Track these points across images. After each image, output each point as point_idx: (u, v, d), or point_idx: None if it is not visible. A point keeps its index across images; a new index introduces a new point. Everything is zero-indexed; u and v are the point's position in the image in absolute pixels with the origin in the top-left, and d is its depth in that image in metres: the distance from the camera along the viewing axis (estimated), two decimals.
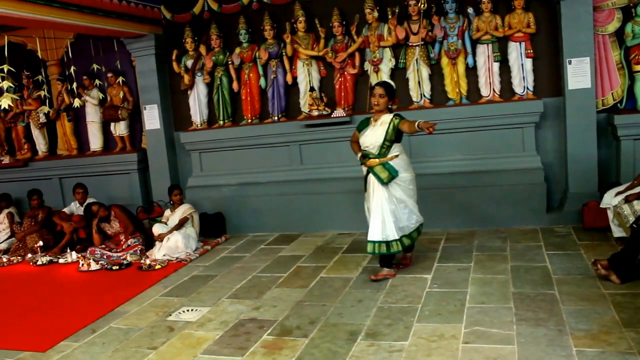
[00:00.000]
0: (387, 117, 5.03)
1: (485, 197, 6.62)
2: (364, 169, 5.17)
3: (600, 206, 5.69)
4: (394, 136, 4.99)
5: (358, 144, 5.25)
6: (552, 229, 6.30)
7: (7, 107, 5.92)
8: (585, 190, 6.32)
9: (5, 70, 5.84)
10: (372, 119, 5.16)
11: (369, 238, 5.08)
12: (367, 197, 5.18)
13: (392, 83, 5.23)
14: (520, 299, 4.39)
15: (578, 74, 6.20)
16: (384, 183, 4.98)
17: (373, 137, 5.05)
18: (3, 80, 5.81)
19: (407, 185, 5.08)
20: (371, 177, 5.07)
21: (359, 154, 5.19)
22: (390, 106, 5.11)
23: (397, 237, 5.01)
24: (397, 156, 5.01)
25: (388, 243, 5.02)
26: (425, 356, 3.61)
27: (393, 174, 4.98)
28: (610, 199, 5.51)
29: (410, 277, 5.15)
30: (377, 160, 5.02)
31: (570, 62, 6.22)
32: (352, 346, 3.85)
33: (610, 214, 5.54)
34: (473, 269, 5.22)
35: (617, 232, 5.48)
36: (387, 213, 5.00)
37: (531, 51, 6.49)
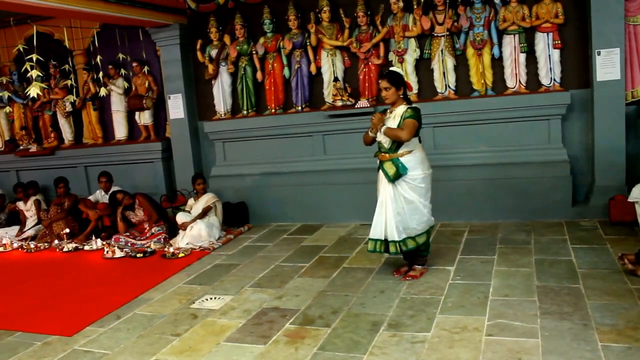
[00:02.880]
0: (401, 110, 4.72)
1: (509, 190, 6.55)
2: (378, 161, 4.94)
3: (628, 200, 5.57)
4: None
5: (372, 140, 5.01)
6: (578, 223, 6.22)
7: (35, 96, 5.99)
8: (612, 184, 6.22)
9: (34, 60, 5.92)
10: (388, 111, 4.88)
11: (370, 235, 4.92)
12: (378, 191, 4.97)
13: (398, 70, 4.92)
14: (545, 292, 4.35)
15: (607, 65, 6.09)
16: (391, 180, 4.72)
17: None
18: (32, 69, 5.88)
19: (417, 184, 4.76)
20: (381, 172, 4.87)
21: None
22: (403, 95, 4.78)
23: (397, 239, 4.76)
24: (410, 152, 4.74)
25: (387, 243, 4.83)
26: (448, 348, 3.60)
27: (401, 172, 4.70)
28: (639, 193, 5.40)
29: (433, 268, 5.12)
30: (387, 155, 4.77)
31: (599, 53, 6.11)
32: (375, 336, 3.85)
33: (638, 208, 5.43)
34: (497, 262, 5.18)
35: None
36: (390, 212, 4.76)
37: (559, 42, 6.38)
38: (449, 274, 4.97)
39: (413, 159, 4.75)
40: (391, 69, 5.00)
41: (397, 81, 4.73)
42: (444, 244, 5.90)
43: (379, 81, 4.84)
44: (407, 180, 4.75)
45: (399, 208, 4.78)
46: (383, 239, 4.85)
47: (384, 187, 4.83)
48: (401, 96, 4.78)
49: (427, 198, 4.88)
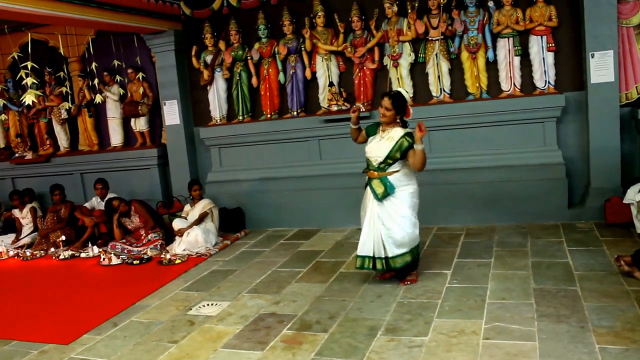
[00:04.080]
0: (396, 133, 4.68)
1: (505, 193, 6.56)
2: (366, 178, 4.92)
3: (624, 202, 5.60)
4: (399, 155, 4.68)
5: (359, 137, 5.04)
6: (574, 225, 6.23)
7: (30, 104, 5.98)
8: (608, 186, 6.23)
9: (29, 67, 5.91)
10: (380, 128, 4.84)
11: (358, 252, 4.93)
12: (363, 207, 4.98)
13: (405, 93, 4.81)
14: (542, 295, 4.36)
15: (601, 68, 6.11)
16: (378, 199, 4.73)
17: (377, 150, 4.75)
18: (27, 76, 5.87)
19: (410, 198, 4.77)
20: (368, 188, 4.86)
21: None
22: (400, 119, 4.77)
23: (382, 256, 4.79)
24: (397, 171, 4.74)
25: (374, 260, 4.84)
26: (446, 352, 3.60)
27: (389, 191, 4.70)
28: (634, 195, 5.41)
29: (429, 272, 5.12)
30: (376, 173, 4.78)
31: (593, 56, 6.13)
32: (372, 341, 3.85)
33: (633, 210, 5.46)
34: (493, 265, 5.19)
35: None
36: (377, 229, 4.78)
37: (553, 45, 6.41)
38: (445, 278, 4.96)
39: (401, 177, 4.76)
40: (399, 89, 4.93)
41: (399, 106, 4.70)
42: (440, 247, 5.90)
43: (384, 96, 4.74)
44: (397, 195, 4.74)
45: (389, 224, 4.76)
46: (371, 255, 4.85)
47: (372, 205, 4.82)
48: (398, 120, 4.77)
49: (415, 214, 4.84)
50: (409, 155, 4.65)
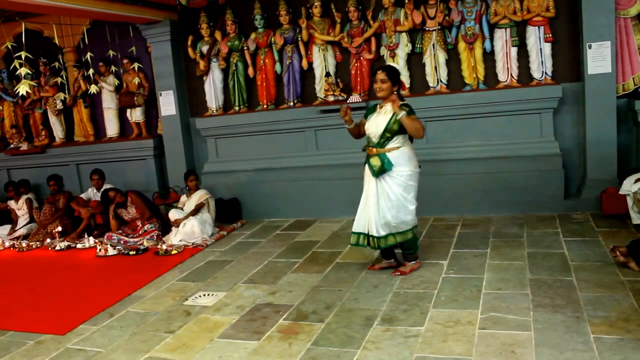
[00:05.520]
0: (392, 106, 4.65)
1: (501, 184, 6.56)
2: (366, 155, 4.89)
3: (620, 193, 5.62)
4: (398, 127, 4.62)
5: (359, 128, 4.97)
6: (570, 216, 6.24)
7: (24, 94, 5.95)
8: (604, 177, 6.25)
9: (23, 57, 5.87)
10: (378, 106, 4.82)
11: (353, 229, 4.94)
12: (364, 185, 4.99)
13: (396, 66, 4.81)
14: (537, 285, 4.36)
15: (598, 59, 6.10)
16: (375, 175, 4.69)
17: (375, 125, 4.72)
18: (21, 67, 5.83)
19: (403, 180, 4.70)
20: (367, 165, 4.83)
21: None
22: (396, 91, 4.72)
23: (375, 234, 4.76)
24: (398, 148, 4.69)
25: (369, 237, 4.83)
26: (442, 342, 3.60)
27: (386, 167, 4.64)
28: (630, 186, 5.44)
29: (426, 262, 5.12)
30: (375, 149, 4.74)
31: (590, 47, 6.12)
32: (368, 331, 3.86)
33: (629, 201, 5.48)
34: (489, 255, 5.19)
35: (637, 219, 5.42)
36: (372, 207, 4.75)
37: (550, 35, 6.39)
38: (442, 268, 4.97)
39: (400, 155, 4.71)
40: (389, 64, 4.95)
41: (395, 77, 4.71)
42: (437, 238, 5.91)
43: (377, 71, 4.72)
44: (393, 175, 4.70)
45: (382, 203, 4.73)
46: (366, 232, 4.85)
47: (369, 181, 4.81)
48: (395, 92, 4.74)
49: (412, 196, 4.79)
50: (405, 121, 4.58)
